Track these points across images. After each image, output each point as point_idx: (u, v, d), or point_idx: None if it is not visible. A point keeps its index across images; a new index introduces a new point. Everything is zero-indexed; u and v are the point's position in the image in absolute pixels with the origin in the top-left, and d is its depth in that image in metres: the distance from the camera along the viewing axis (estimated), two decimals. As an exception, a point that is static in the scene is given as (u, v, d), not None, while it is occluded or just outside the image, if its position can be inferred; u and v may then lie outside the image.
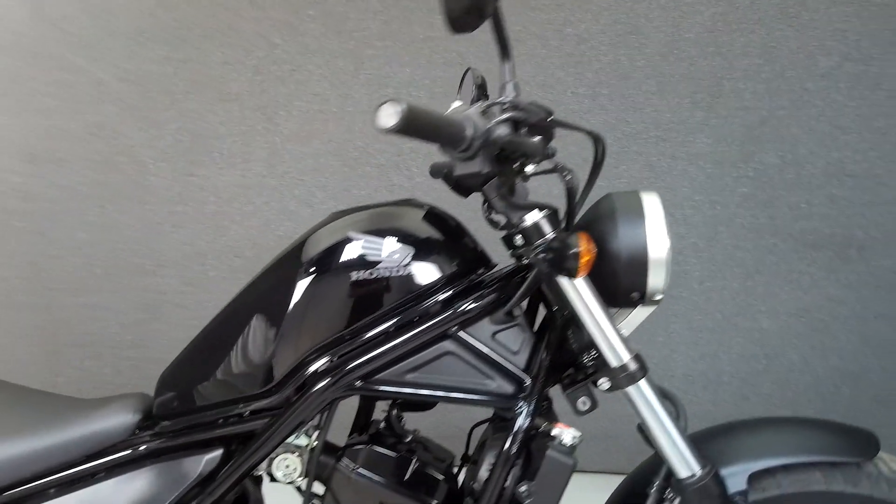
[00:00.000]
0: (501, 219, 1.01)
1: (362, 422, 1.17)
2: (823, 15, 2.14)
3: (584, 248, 0.95)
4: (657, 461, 1.05)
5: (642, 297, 0.99)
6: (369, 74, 2.32)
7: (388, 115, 0.72)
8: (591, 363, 1.04)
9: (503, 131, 0.90)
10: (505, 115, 0.91)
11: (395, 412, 1.10)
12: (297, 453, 1.04)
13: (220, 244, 2.39)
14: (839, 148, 2.21)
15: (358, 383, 1.00)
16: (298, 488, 1.07)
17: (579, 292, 0.98)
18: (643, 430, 1.04)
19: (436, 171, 1.01)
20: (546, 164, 0.96)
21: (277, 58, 2.33)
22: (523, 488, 1.00)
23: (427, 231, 1.04)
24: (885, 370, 2.35)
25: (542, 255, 0.96)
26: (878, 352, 2.34)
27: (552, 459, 1.00)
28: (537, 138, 0.92)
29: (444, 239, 1.04)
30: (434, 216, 1.08)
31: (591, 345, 1.01)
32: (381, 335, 1.00)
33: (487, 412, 1.14)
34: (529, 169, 0.97)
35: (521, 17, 2.23)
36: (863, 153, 2.21)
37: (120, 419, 1.02)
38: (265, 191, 2.37)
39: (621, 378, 0.99)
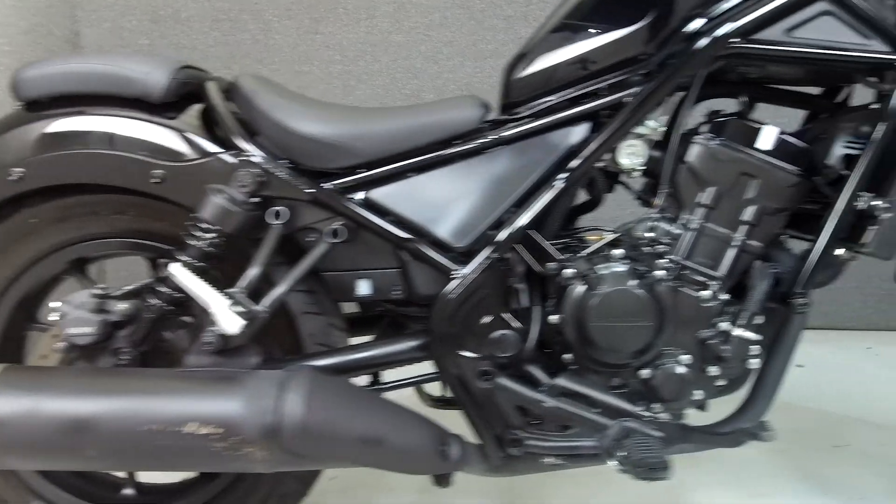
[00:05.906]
0: None
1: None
2: None
3: None
4: None
5: None
6: (497, -81, 2.22)
7: None
8: None
9: None
10: None
11: (745, 101, 1.09)
12: (643, 139, 1.04)
13: (346, 104, 2.39)
14: None
15: (735, 41, 0.98)
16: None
17: None
18: None
19: None
20: None
21: None
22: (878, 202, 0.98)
23: None
24: None
25: None
26: None
27: None
28: None
29: None
30: None
31: None
32: None
33: None
34: None
35: None
36: None
37: (467, 112, 1.05)
38: (391, 48, 2.34)
39: None
